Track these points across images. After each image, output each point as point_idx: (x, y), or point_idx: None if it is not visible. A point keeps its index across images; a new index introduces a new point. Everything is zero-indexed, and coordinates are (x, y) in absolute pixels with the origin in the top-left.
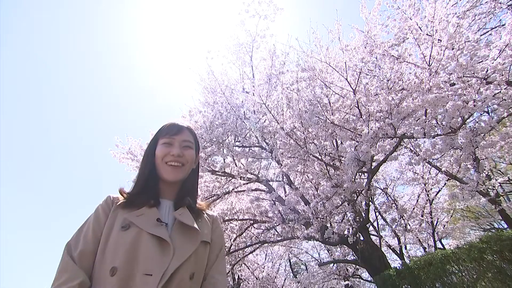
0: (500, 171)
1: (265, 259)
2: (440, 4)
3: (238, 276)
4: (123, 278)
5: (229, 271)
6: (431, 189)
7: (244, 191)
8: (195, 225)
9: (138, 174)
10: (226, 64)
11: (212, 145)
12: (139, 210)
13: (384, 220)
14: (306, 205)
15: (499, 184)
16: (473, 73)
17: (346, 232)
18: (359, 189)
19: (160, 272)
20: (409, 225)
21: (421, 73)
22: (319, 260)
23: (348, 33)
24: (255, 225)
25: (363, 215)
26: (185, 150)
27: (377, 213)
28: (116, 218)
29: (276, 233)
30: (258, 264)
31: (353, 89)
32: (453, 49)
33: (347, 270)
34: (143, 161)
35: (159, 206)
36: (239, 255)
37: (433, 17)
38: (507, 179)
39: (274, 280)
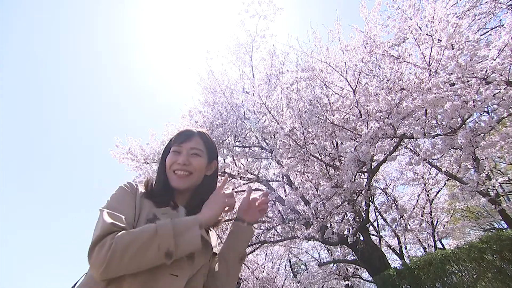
0: (500, 171)
1: (265, 259)
2: (440, 4)
3: (238, 276)
4: (148, 272)
5: None
6: (431, 189)
7: (244, 191)
8: (207, 237)
9: (155, 180)
10: (226, 64)
11: None
12: (163, 208)
13: (384, 220)
14: (306, 205)
15: (499, 184)
16: (473, 73)
17: (346, 232)
18: (359, 189)
19: (185, 275)
20: (409, 225)
21: (421, 73)
22: (319, 260)
23: (348, 33)
24: (255, 225)
25: (363, 215)
26: (193, 158)
27: (377, 213)
28: (143, 207)
29: (276, 233)
30: (258, 264)
31: (353, 89)
32: (453, 49)
33: (347, 270)
34: (158, 169)
35: (178, 210)
36: None
37: (433, 17)
38: (507, 179)
39: (274, 280)
